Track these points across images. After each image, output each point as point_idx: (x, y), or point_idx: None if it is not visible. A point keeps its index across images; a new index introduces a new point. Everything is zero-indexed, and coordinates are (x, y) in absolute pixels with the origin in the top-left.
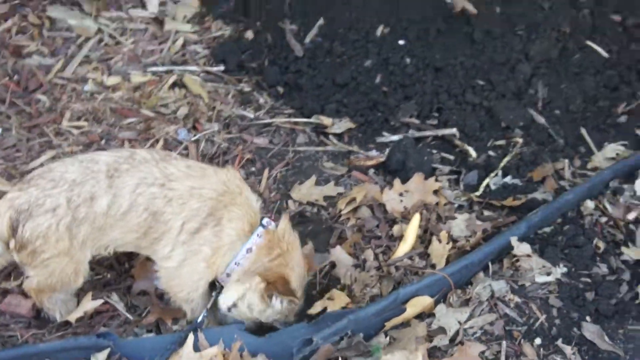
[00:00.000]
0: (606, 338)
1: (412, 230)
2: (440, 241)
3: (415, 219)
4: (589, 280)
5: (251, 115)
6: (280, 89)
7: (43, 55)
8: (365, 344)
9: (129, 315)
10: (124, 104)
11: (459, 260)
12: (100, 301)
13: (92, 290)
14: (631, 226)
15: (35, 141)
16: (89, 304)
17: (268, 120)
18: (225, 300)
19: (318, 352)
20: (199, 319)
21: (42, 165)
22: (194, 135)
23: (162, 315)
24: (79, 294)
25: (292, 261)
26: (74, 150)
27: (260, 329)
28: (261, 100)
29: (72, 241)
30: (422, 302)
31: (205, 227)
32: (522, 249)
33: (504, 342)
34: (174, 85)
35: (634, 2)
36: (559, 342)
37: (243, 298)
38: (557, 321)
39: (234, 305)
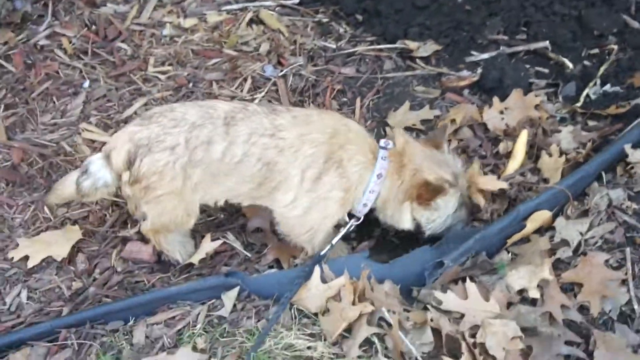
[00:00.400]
0: None
1: (521, 146)
2: (550, 155)
3: (524, 135)
4: None
5: (333, 45)
6: (359, 17)
7: (117, 3)
8: (490, 262)
9: (247, 254)
10: (205, 45)
11: (575, 172)
12: (219, 242)
13: (207, 231)
14: None
15: (124, 90)
16: (209, 245)
17: (351, 50)
18: (403, 225)
19: (445, 274)
20: (323, 252)
21: (136, 113)
22: (281, 71)
23: (280, 253)
24: (195, 237)
25: (423, 163)
26: (164, 95)
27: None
28: (341, 30)
29: (185, 182)
30: (541, 217)
31: (327, 172)
32: (637, 155)
33: (627, 249)
34: (251, 22)
35: None
36: None
37: (412, 217)
38: None
39: (416, 224)
